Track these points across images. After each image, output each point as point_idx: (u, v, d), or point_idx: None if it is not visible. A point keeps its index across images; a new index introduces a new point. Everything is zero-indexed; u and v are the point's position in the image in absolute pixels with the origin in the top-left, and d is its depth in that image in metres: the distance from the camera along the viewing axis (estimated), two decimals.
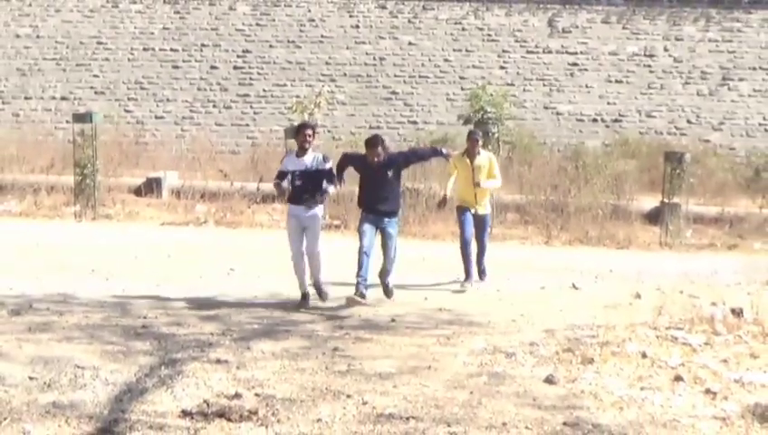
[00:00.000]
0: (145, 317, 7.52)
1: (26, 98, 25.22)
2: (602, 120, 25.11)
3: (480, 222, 9.75)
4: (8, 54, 25.64)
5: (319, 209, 8.33)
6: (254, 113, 25.22)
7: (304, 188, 8.21)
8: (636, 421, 5.22)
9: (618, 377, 6.08)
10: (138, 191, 17.20)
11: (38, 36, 25.83)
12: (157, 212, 15.98)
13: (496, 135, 21.48)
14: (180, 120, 25.06)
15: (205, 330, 7.15)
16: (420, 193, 15.20)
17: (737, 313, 7.94)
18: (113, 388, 5.59)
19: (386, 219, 8.25)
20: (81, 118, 16.34)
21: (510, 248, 13.35)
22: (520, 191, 16.21)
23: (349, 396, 5.54)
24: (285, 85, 25.37)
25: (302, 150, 8.29)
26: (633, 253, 13.73)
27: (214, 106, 25.29)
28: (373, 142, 8.22)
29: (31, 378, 5.71)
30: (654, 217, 15.71)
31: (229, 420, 5.08)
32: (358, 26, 26.05)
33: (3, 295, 8.16)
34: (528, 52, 25.81)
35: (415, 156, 9.00)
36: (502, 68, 25.64)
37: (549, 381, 5.93)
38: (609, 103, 25.25)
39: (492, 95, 22.35)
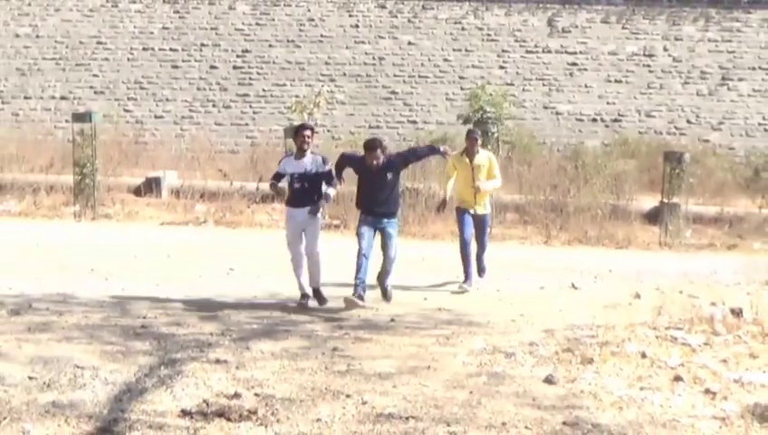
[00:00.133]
0: (144, 317, 7.52)
1: (26, 97, 25.21)
2: (602, 120, 25.11)
3: (480, 222, 9.71)
4: (8, 54, 25.63)
5: (318, 210, 8.30)
6: (254, 113, 25.22)
7: (303, 191, 8.18)
8: (635, 421, 5.22)
9: (617, 377, 6.08)
10: (137, 191, 17.20)
11: (37, 36, 25.82)
12: (156, 212, 15.98)
13: (496, 135, 21.51)
14: (180, 119, 25.06)
15: (204, 330, 7.15)
16: (420, 193, 15.20)
17: (737, 313, 7.94)
18: (113, 388, 5.59)
19: (385, 220, 8.22)
20: (80, 117, 16.33)
21: (509, 248, 13.35)
22: (519, 191, 16.20)
23: (348, 396, 5.54)
24: (285, 85, 25.37)
25: (300, 152, 8.25)
26: (632, 253, 13.74)
27: (213, 106, 25.29)
28: (372, 146, 8.13)
29: (30, 378, 5.71)
30: (653, 216, 15.71)
31: (229, 419, 5.08)
32: (357, 26, 26.05)
33: (2, 295, 8.16)
34: (527, 51, 25.81)
35: (413, 155, 8.92)
36: (501, 68, 25.64)
37: (548, 381, 5.94)
38: (608, 103, 25.25)
39: (491, 95, 22.36)
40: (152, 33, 25.90)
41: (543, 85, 25.44)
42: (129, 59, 25.62)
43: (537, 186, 16.31)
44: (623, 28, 26.00)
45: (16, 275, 9.28)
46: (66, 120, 20.80)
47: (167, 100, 25.28)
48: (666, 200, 15.41)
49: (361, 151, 8.42)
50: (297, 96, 23.82)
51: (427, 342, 7.01)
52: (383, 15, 26.14)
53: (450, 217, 9.99)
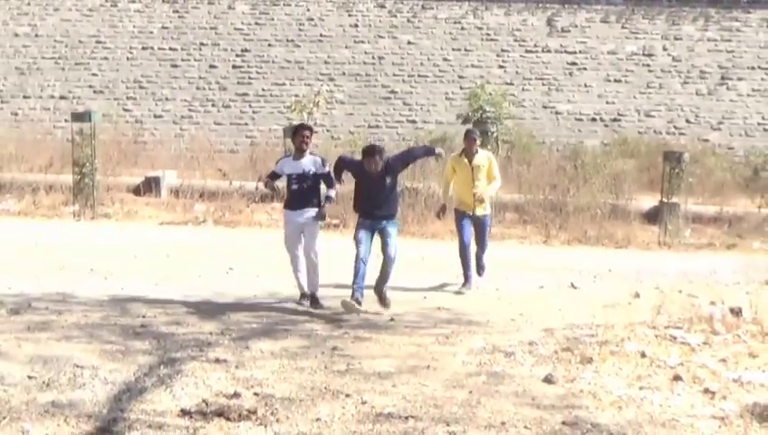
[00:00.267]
0: (144, 316, 7.52)
1: (25, 97, 25.19)
2: (601, 120, 25.11)
3: (480, 223, 9.62)
4: (7, 53, 25.61)
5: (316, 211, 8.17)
6: (253, 112, 25.21)
7: (301, 192, 8.10)
8: (635, 421, 5.22)
9: (616, 376, 6.09)
10: (136, 190, 17.19)
11: (37, 35, 25.80)
12: (155, 211, 15.97)
13: (495, 134, 21.50)
14: (179, 119, 25.05)
15: (204, 329, 7.15)
16: (419, 192, 15.19)
17: (736, 312, 7.94)
18: (112, 387, 5.59)
19: (384, 221, 8.10)
20: (79, 117, 16.32)
21: (509, 248, 13.35)
22: (519, 191, 16.20)
23: (348, 395, 5.54)
24: (284, 84, 25.36)
25: (299, 152, 8.16)
26: (632, 252, 13.74)
27: (213, 105, 25.28)
28: (371, 152, 8.00)
29: (30, 377, 5.71)
30: (653, 216, 15.71)
31: (228, 419, 5.08)
32: (357, 25, 26.04)
33: (2, 295, 8.16)
34: (527, 51, 25.81)
35: (411, 156, 8.77)
36: (501, 67, 25.63)
37: (548, 380, 5.94)
38: (607, 103, 25.25)
39: (491, 94, 22.36)
40: (151, 32, 25.89)
41: (543, 85, 25.44)
42: (128, 58, 25.61)
43: (536, 185, 16.31)
44: (623, 28, 26.00)
45: (16, 275, 9.28)
46: (65, 120, 20.78)
47: (166, 99, 25.27)
48: (665, 200, 15.42)
49: (359, 157, 8.28)
50: (296, 96, 23.81)
51: (426, 341, 7.01)
52: (382, 15, 26.13)
53: (450, 216, 9.96)
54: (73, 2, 26.07)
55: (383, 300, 8.15)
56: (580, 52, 25.71)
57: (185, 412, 5.17)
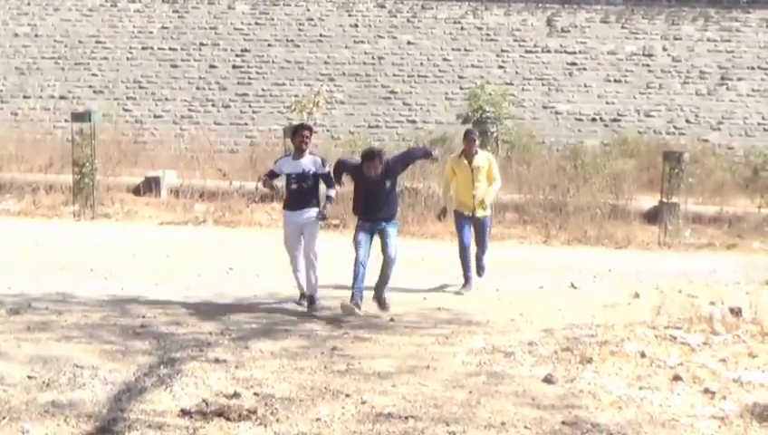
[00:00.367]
0: (144, 317, 7.52)
1: (25, 97, 25.20)
2: (601, 120, 25.12)
3: (480, 224, 9.57)
4: (7, 53, 25.61)
5: (315, 212, 8.11)
6: (253, 112, 25.21)
7: (300, 192, 8.02)
8: (634, 421, 5.22)
9: (616, 376, 6.09)
10: (136, 190, 17.19)
11: (37, 35, 25.80)
12: (155, 211, 15.97)
13: (495, 134, 21.51)
14: (179, 119, 25.05)
15: (203, 329, 7.15)
16: (419, 192, 15.19)
17: (736, 312, 7.94)
18: (112, 387, 5.59)
19: (384, 223, 8.03)
20: (79, 117, 16.33)
21: (509, 248, 13.35)
22: (519, 191, 16.20)
23: (348, 395, 5.54)
24: (284, 84, 25.36)
25: (299, 152, 8.08)
26: (632, 252, 13.74)
27: (212, 105, 25.28)
28: (371, 156, 7.89)
29: (30, 377, 5.70)
30: (653, 216, 15.72)
31: (228, 419, 5.08)
32: (356, 25, 26.04)
33: (1, 295, 8.16)
34: (527, 51, 25.81)
35: (411, 157, 8.68)
36: (500, 67, 25.64)
37: (548, 380, 5.94)
38: (607, 103, 25.25)
39: (491, 94, 22.37)
40: (151, 32, 25.89)
41: (543, 85, 25.44)
42: (128, 58, 25.61)
43: (536, 185, 16.31)
44: (622, 28, 26.00)
45: (16, 275, 9.28)
46: (65, 120, 20.78)
47: (166, 99, 25.27)
48: (665, 200, 15.42)
49: (358, 160, 8.18)
50: (296, 96, 23.81)
51: (426, 341, 7.01)
52: (382, 15, 26.13)
53: (451, 218, 9.95)
54: (73, 2, 26.07)
55: (382, 305, 8.04)
56: (579, 52, 25.71)
57: (185, 412, 5.17)
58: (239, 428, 4.99)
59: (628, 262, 12.17)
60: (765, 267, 11.52)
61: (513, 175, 16.46)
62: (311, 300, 8.08)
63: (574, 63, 25.62)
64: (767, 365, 6.44)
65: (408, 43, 25.83)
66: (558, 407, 5.42)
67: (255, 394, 5.52)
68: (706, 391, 5.80)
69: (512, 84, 25.02)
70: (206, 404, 5.30)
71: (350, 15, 26.11)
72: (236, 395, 5.47)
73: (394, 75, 25.50)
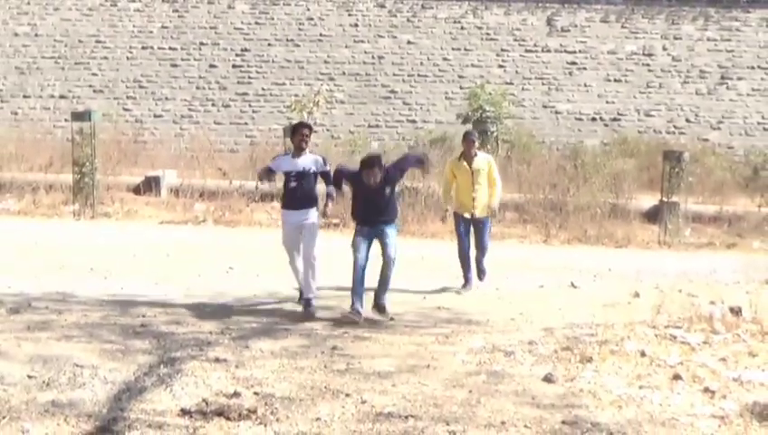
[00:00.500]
0: (144, 316, 7.52)
1: (25, 96, 25.20)
2: (601, 119, 25.12)
3: (479, 224, 9.49)
4: (7, 53, 25.61)
5: (315, 214, 8.02)
6: (253, 112, 25.21)
7: (299, 191, 7.92)
8: (634, 420, 5.22)
9: (616, 376, 6.09)
10: (136, 190, 17.20)
11: (37, 35, 25.80)
12: (155, 211, 15.98)
13: (495, 134, 21.53)
14: (179, 118, 25.06)
15: (203, 329, 7.14)
16: (419, 192, 15.19)
17: (736, 311, 7.94)
18: (112, 387, 5.59)
19: (383, 226, 7.93)
20: (79, 116, 16.34)
21: (509, 247, 13.35)
22: (519, 190, 16.20)
23: (348, 395, 5.54)
24: (284, 84, 25.36)
25: (298, 151, 7.98)
26: (632, 252, 13.75)
27: (212, 105, 25.28)
28: (370, 163, 7.79)
29: (30, 377, 5.70)
30: (653, 215, 15.72)
31: (228, 418, 5.08)
32: (356, 25, 26.04)
33: (2, 294, 8.15)
34: (527, 51, 25.81)
35: (406, 164, 8.53)
36: (500, 67, 25.64)
37: (548, 379, 5.94)
38: (607, 102, 25.25)
39: (491, 94, 22.39)
40: (151, 32, 25.89)
41: (543, 84, 25.44)
42: (128, 58, 25.61)
43: (536, 185, 16.31)
44: (622, 27, 26.00)
45: (16, 274, 9.28)
46: (65, 119, 20.78)
47: (166, 99, 25.27)
48: (665, 199, 15.43)
49: (357, 167, 8.03)
50: (296, 95, 23.82)
51: (426, 340, 7.01)
52: (382, 14, 26.13)
53: (450, 216, 9.94)
54: (73, 1, 26.07)
55: (382, 310, 7.90)
56: (579, 51, 25.72)
57: (185, 412, 5.17)
58: (239, 427, 4.99)
59: (628, 261, 12.17)
60: (765, 267, 11.52)
61: (513, 174, 16.47)
62: (307, 303, 7.95)
63: (574, 63, 25.62)
64: (767, 364, 6.44)
65: (408, 42, 25.83)
66: (558, 406, 5.42)
67: (255, 394, 5.52)
68: (706, 390, 5.80)
69: (512, 84, 25.03)
70: (206, 404, 5.30)
71: (350, 15, 26.11)
72: (236, 394, 5.47)
73: (394, 75, 25.50)
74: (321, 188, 8.21)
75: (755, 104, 25.24)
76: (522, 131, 23.08)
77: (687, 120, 25.12)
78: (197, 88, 25.36)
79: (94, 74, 25.43)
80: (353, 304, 7.69)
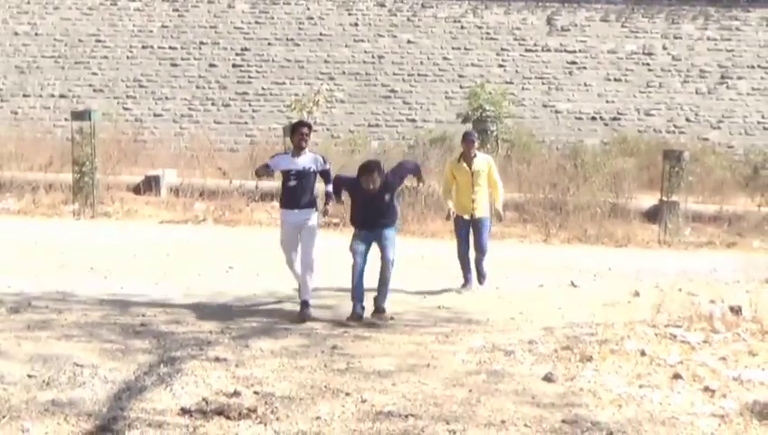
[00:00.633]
0: (144, 315, 7.52)
1: (25, 95, 25.21)
2: (601, 119, 25.12)
3: (479, 225, 9.40)
4: (7, 52, 25.62)
5: (314, 215, 7.93)
6: (253, 111, 25.22)
7: (298, 190, 7.82)
8: (634, 419, 5.22)
9: (616, 375, 6.09)
10: (136, 189, 17.19)
11: (37, 34, 25.81)
12: (155, 210, 15.98)
13: (495, 133, 21.53)
14: (179, 117, 25.06)
15: (203, 328, 7.14)
16: (419, 191, 15.17)
17: (736, 310, 7.94)
18: (112, 386, 5.59)
19: (382, 229, 7.86)
20: (79, 116, 16.34)
21: (509, 247, 13.35)
22: (519, 190, 16.18)
23: (348, 394, 5.54)
24: (284, 83, 25.37)
25: (298, 150, 7.88)
26: (632, 251, 13.75)
27: (212, 104, 25.29)
28: (369, 169, 7.71)
29: (30, 376, 5.70)
30: (653, 215, 15.72)
31: (228, 418, 5.08)
32: (357, 24, 26.05)
33: (2, 293, 8.16)
34: (527, 50, 25.82)
35: (404, 171, 8.41)
36: (500, 66, 25.64)
37: (548, 379, 5.94)
38: (607, 102, 25.26)
39: (491, 93, 22.40)
40: (151, 31, 25.89)
41: (543, 84, 25.45)
42: (128, 57, 25.62)
43: (536, 184, 16.31)
44: (622, 27, 26.01)
45: (15, 274, 9.28)
46: (65, 119, 20.77)
47: (166, 98, 25.28)
48: (665, 199, 15.43)
49: (356, 175, 7.93)
50: (296, 94, 23.83)
51: (426, 340, 7.01)
52: (382, 14, 26.13)
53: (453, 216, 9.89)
54: (73, 0, 26.07)
55: (381, 312, 7.84)
56: (579, 51, 25.72)
57: (185, 411, 5.17)
58: (239, 426, 4.99)
59: (628, 260, 12.17)
60: (765, 266, 11.53)
61: (513, 174, 16.46)
62: (304, 305, 7.85)
63: (574, 62, 25.62)
64: (767, 363, 6.45)
65: (408, 41, 25.83)
66: (558, 405, 5.42)
67: (255, 393, 5.52)
68: (706, 389, 5.80)
69: (512, 83, 25.04)
70: (206, 403, 5.30)
71: (350, 14, 26.12)
72: (236, 394, 5.47)
73: (394, 74, 25.51)
74: (320, 187, 8.19)
75: (755, 103, 25.25)
76: (522, 131, 23.09)
77: (687, 120, 25.13)
78: (197, 87, 25.37)
79: (94, 74, 25.44)
80: (354, 308, 7.66)
